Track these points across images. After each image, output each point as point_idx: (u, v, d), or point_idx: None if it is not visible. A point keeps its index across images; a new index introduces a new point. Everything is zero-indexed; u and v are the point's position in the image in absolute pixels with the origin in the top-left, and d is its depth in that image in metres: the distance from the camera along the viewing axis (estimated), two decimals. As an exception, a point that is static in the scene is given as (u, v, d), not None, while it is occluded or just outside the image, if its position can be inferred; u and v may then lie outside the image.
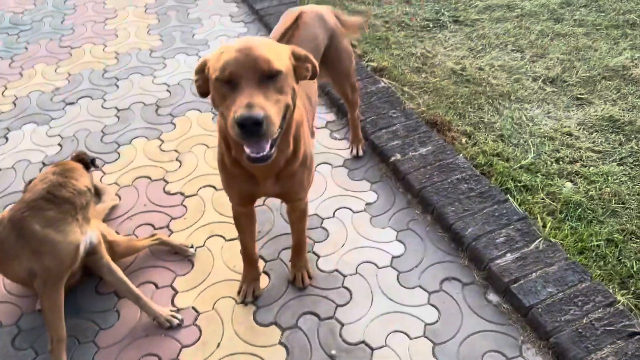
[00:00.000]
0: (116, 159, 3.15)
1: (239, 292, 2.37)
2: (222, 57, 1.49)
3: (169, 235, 2.66)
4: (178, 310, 2.33)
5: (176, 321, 2.25)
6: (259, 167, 1.74)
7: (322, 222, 2.71)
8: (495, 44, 4.03)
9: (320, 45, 2.31)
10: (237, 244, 2.59)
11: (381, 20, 4.42)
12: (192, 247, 2.57)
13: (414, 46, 4.06)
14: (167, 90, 3.67)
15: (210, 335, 2.24)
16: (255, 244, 2.31)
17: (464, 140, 3.14)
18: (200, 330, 2.26)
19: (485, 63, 3.82)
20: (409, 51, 4.00)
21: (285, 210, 2.52)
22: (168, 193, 2.90)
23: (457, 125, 3.24)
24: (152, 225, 2.72)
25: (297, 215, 2.22)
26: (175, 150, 3.17)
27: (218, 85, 1.50)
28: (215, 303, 2.36)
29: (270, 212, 2.78)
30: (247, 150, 1.52)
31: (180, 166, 3.06)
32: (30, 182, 2.20)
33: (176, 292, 2.42)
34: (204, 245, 2.62)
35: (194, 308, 2.35)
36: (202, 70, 1.62)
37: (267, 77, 1.48)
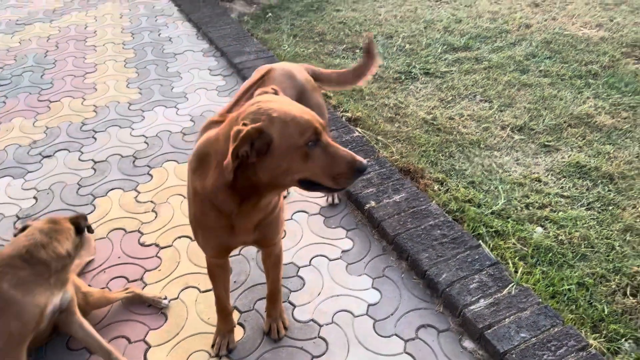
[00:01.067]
0: (92, 211, 3.14)
1: (212, 345, 2.34)
2: (299, 121, 1.54)
3: (143, 288, 2.64)
4: (150, 365, 2.28)
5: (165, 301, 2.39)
6: (244, 218, 1.80)
7: (298, 271, 2.71)
8: (464, 95, 4.19)
9: None
10: (211, 296, 2.57)
11: (355, 72, 4.56)
12: (165, 298, 2.55)
13: (387, 97, 4.19)
14: (145, 142, 3.71)
15: (183, 391, 2.19)
16: (229, 295, 2.30)
17: (436, 187, 3.21)
18: (173, 386, 2.21)
19: (456, 113, 3.96)
20: (383, 102, 4.13)
21: (261, 259, 2.52)
22: (143, 245, 2.89)
23: (429, 173, 3.32)
24: (126, 278, 2.69)
25: (273, 261, 2.24)
26: (152, 202, 3.18)
27: (305, 149, 1.55)
28: (188, 358, 2.32)
29: (246, 262, 2.78)
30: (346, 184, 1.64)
31: (155, 217, 3.07)
32: (23, 228, 2.19)
33: (149, 346, 2.37)
34: (178, 297, 2.60)
35: (166, 363, 2.30)
36: (252, 140, 1.51)
37: None
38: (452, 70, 4.53)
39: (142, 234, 2.96)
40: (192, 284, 2.66)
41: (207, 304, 2.55)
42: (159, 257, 2.81)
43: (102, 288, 2.64)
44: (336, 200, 3.13)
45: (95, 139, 3.79)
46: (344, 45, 5.03)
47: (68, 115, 4.08)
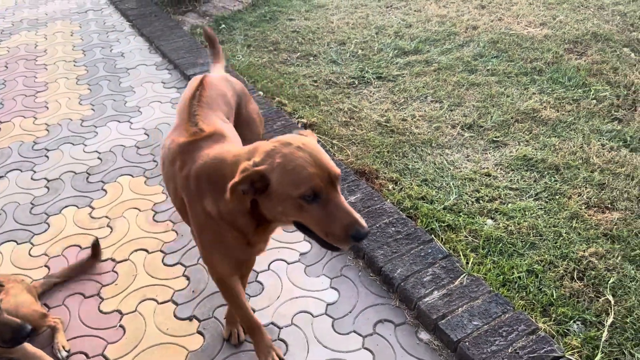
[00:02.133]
0: (45, 230, 3.09)
1: None
2: (298, 173, 1.52)
3: (100, 303, 2.61)
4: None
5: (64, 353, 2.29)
6: (259, 237, 1.85)
7: (257, 276, 2.73)
8: (416, 96, 4.29)
9: (231, 101, 2.39)
10: (169, 307, 2.58)
11: (310, 79, 4.63)
12: (69, 351, 2.38)
13: (342, 102, 4.26)
14: (98, 158, 3.67)
15: (143, 402, 2.18)
16: (247, 305, 2.22)
17: (390, 186, 3.28)
18: (132, 398, 2.20)
19: (408, 114, 4.05)
20: (337, 107, 4.20)
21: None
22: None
23: (384, 173, 3.39)
24: (83, 294, 2.66)
25: (249, 268, 2.33)
26: (106, 217, 3.15)
27: (300, 202, 1.53)
28: (148, 368, 2.31)
29: (203, 271, 2.78)
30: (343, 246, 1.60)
31: (111, 232, 3.04)
32: None
33: (107, 360, 2.35)
34: (135, 310, 2.58)
35: (125, 375, 2.28)
36: (253, 181, 1.58)
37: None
38: (403, 74, 4.63)
39: (97, 249, 2.93)
40: (149, 296, 2.65)
41: (165, 315, 2.54)
42: (115, 272, 2.79)
43: (59, 305, 2.60)
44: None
45: (48, 157, 3.74)
46: (298, 54, 5.09)
47: (19, 135, 4.01)
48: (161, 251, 2.91)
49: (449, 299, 2.45)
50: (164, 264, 2.83)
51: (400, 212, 3.00)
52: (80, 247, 2.95)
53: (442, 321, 2.35)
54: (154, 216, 3.15)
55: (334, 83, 4.56)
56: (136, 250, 2.91)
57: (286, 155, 1.55)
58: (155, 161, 3.62)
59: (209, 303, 2.60)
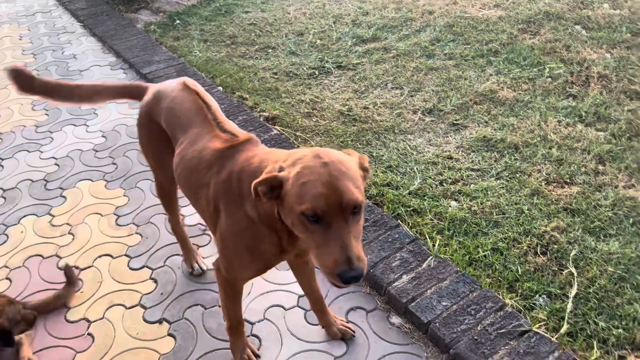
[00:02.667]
0: (4, 242, 2.99)
1: None
2: (307, 189, 1.44)
3: (66, 312, 2.55)
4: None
5: None
6: (296, 245, 1.75)
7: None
8: (376, 84, 4.30)
9: None
10: (137, 312, 2.54)
11: (270, 72, 4.59)
12: None
13: (303, 93, 4.24)
14: (56, 164, 3.57)
15: (116, 410, 2.14)
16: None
17: (355, 175, 3.28)
18: (104, 406, 2.16)
19: (369, 102, 4.06)
20: (299, 98, 4.18)
21: (294, 272, 2.31)
22: (61, 269, 2.78)
23: (347, 162, 3.39)
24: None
25: (311, 267, 2.24)
26: (67, 224, 3.07)
27: (302, 218, 1.45)
28: (119, 374, 2.27)
29: (171, 272, 2.74)
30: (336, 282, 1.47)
31: (73, 239, 2.96)
32: None
33: (76, 370, 2.30)
34: (103, 317, 2.53)
35: (96, 384, 2.24)
36: (273, 187, 1.53)
37: (353, 212, 1.45)
38: (363, 62, 4.64)
39: (60, 257, 2.85)
40: (117, 301, 2.60)
41: (134, 319, 2.50)
42: (80, 279, 2.72)
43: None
44: None
45: (3, 166, 3.61)
46: (256, 47, 5.04)
47: (-30, 145, 3.86)
48: (126, 255, 2.85)
49: (418, 282, 2.47)
50: (130, 268, 2.78)
51: (367, 200, 3.01)
52: (43, 257, 2.86)
53: (412, 304, 2.37)
54: (116, 220, 3.08)
55: (295, 74, 4.54)
56: (100, 256, 2.85)
57: (306, 167, 1.47)
58: (115, 164, 3.54)
59: (178, 304, 2.57)
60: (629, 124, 3.54)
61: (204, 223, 3.01)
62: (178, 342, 2.39)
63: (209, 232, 2.96)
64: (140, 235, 2.97)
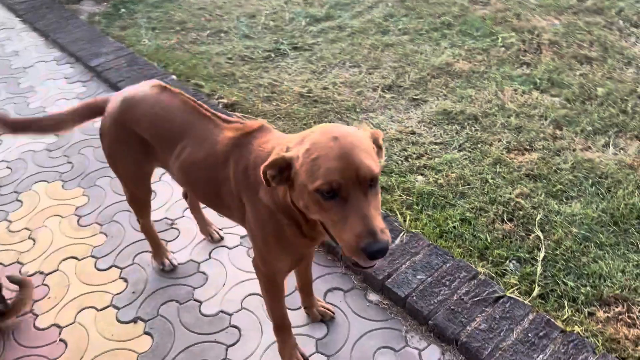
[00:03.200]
0: (-41, 253, 2.84)
1: None
2: (320, 164, 1.36)
3: (35, 320, 2.45)
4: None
5: None
6: (313, 231, 1.66)
7: (198, 267, 2.66)
8: (334, 64, 4.28)
9: None
10: (110, 313, 2.46)
11: (224, 57, 4.49)
12: None
13: (260, 77, 4.17)
14: (8, 167, 3.40)
15: (98, 414, 2.09)
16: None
17: (320, 156, 3.27)
18: (85, 412, 2.10)
19: (329, 82, 4.03)
20: (257, 82, 4.11)
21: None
22: (25, 275, 2.67)
23: (312, 144, 3.37)
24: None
25: (310, 260, 2.25)
26: (26, 228, 2.94)
27: (317, 196, 1.37)
28: (97, 379, 2.21)
29: (141, 270, 2.67)
30: (361, 262, 1.40)
31: (34, 244, 2.84)
32: None
33: (51, 378, 2.22)
34: (74, 321, 2.44)
35: (74, 390, 2.17)
36: (282, 168, 1.45)
37: (370, 185, 1.37)
38: (318, 42, 4.59)
39: (22, 264, 2.73)
40: (87, 304, 2.51)
41: (107, 321, 2.43)
42: (46, 285, 2.62)
43: (-13, 331, 2.42)
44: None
45: (-51, 174, 3.42)
46: (208, 32, 4.91)
47: None
48: (92, 256, 2.76)
49: (392, 258, 2.50)
50: (97, 269, 2.69)
51: (334, 181, 3.00)
52: (3, 265, 2.74)
53: (389, 280, 2.40)
54: (78, 221, 2.97)
55: (250, 58, 4.46)
56: (65, 259, 2.74)
57: (316, 143, 1.39)
58: (70, 162, 3.40)
59: (152, 302, 2.51)
60: (582, 88, 3.64)
61: (170, 217, 2.94)
62: (155, 340, 2.34)
63: (177, 227, 2.90)
64: (105, 234, 2.88)
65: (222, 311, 2.44)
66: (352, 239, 1.32)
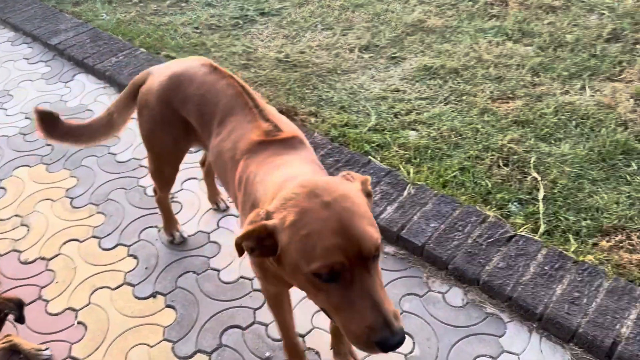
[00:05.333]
0: (-55, 247, 2.68)
1: None
2: (314, 242, 1.14)
3: (46, 305, 2.37)
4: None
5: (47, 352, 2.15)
6: None
7: (209, 237, 2.63)
8: (306, 27, 4.23)
9: None
10: (126, 290, 2.41)
11: (190, 27, 4.36)
12: (46, 349, 2.18)
13: (233, 45, 4.08)
14: (-19, 155, 3.21)
15: (134, 390, 2.06)
16: (294, 326, 1.97)
17: (312, 120, 3.27)
18: (122, 389, 2.07)
19: (304, 46, 4.00)
20: (230, 51, 4.02)
21: None
22: (25, 262, 2.57)
23: (301, 109, 3.36)
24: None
25: None
26: (17, 215, 2.81)
27: (314, 279, 1.17)
28: (127, 355, 2.17)
29: (150, 245, 2.61)
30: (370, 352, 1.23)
31: (29, 230, 2.72)
32: None
33: (78, 361, 2.17)
34: (89, 303, 2.38)
35: (105, 370, 2.13)
36: (261, 238, 1.22)
37: (373, 257, 1.19)
38: (285, 6, 4.52)
39: (19, 252, 2.62)
40: (100, 284, 2.45)
41: (124, 299, 2.38)
42: (50, 270, 2.52)
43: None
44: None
45: None
46: (168, 1, 4.74)
47: None
48: (94, 237, 2.67)
49: (403, 210, 2.55)
50: (103, 249, 2.62)
51: (332, 142, 3.02)
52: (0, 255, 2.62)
53: (403, 231, 2.46)
54: (71, 203, 2.86)
55: (218, 27, 4.34)
56: (66, 242, 2.65)
57: (304, 212, 1.17)
58: (49, 145, 3.24)
59: (168, 275, 2.47)
60: (551, 36, 3.78)
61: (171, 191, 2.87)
62: (179, 312, 2.32)
63: (178, 200, 2.84)
64: (103, 214, 2.79)
65: (242, 277, 2.44)
66: (362, 331, 1.14)
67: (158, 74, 1.99)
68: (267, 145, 1.60)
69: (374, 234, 1.18)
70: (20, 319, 1.97)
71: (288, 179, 1.35)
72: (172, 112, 1.95)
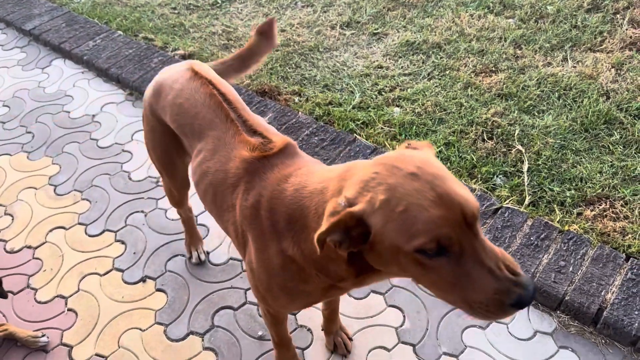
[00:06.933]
0: None
1: None
2: (414, 217, 1.03)
3: (35, 294, 2.35)
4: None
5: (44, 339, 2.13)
6: (357, 285, 1.39)
7: (196, 220, 2.61)
8: (286, 5, 4.17)
9: None
10: (115, 276, 2.40)
11: (167, 8, 4.27)
12: (42, 336, 2.17)
13: (212, 25, 4.02)
14: (-42, 145, 3.14)
15: (128, 374, 2.07)
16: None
17: (296, 99, 3.24)
18: (115, 374, 2.07)
19: (285, 24, 3.95)
20: (209, 31, 3.96)
21: None
22: (12, 252, 2.54)
23: (284, 88, 3.33)
24: (11, 292, 2.36)
25: (337, 301, 2.01)
26: (0, 205, 2.76)
27: (418, 257, 1.06)
28: (119, 340, 2.17)
29: (137, 230, 2.59)
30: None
31: (13, 220, 2.68)
32: None
33: (70, 347, 2.16)
34: (78, 290, 2.37)
35: (98, 355, 2.13)
36: (347, 228, 1.10)
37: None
38: (264, -16, 4.45)
39: (5, 241, 2.58)
40: (88, 271, 2.43)
41: (114, 285, 2.37)
42: (37, 258, 2.50)
43: (-16, 313, 2.30)
44: None
45: None
46: (146, -19, 4.63)
47: None
48: (80, 224, 2.65)
49: (390, 187, 2.56)
50: (89, 235, 2.59)
51: (317, 121, 3.00)
52: (-18, 246, 2.58)
53: (391, 208, 2.46)
54: (54, 190, 2.82)
55: (195, 6, 4.27)
56: (51, 230, 2.62)
57: (393, 188, 1.06)
58: (30, 132, 3.18)
59: (157, 259, 2.46)
60: (532, 7, 3.78)
61: (155, 175, 2.84)
62: (170, 295, 2.32)
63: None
64: (88, 200, 2.76)
65: (231, 258, 2.44)
66: (492, 299, 1.05)
67: (152, 81, 1.87)
68: (268, 160, 1.45)
69: (470, 194, 1.09)
70: (1, 294, 1.93)
71: (342, 172, 1.21)
72: (158, 122, 1.83)
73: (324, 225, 1.10)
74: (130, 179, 2.84)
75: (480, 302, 1.06)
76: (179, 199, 2.19)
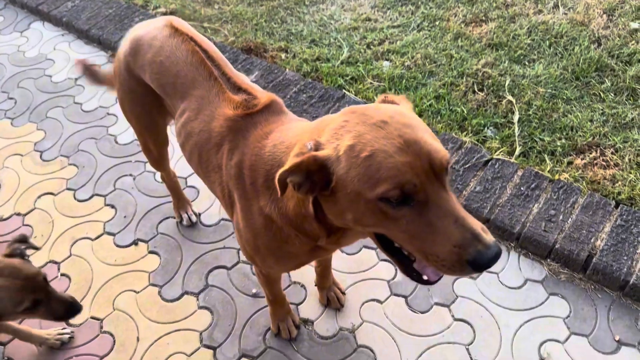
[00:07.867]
0: None
1: (277, 333, 2.04)
2: (379, 163, 1.00)
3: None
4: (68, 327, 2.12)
5: (67, 336, 2.06)
6: (333, 245, 1.40)
7: (186, 182, 2.60)
8: (270, -43, 4.03)
9: None
10: (106, 240, 2.40)
11: (148, -35, 4.12)
12: (64, 328, 2.10)
13: (194, -19, 3.89)
14: (-61, 113, 3.08)
15: (125, 335, 2.08)
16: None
17: (283, 56, 3.18)
18: (112, 335, 2.09)
19: (269, -23, 3.82)
20: (191, -13, 3.83)
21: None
22: (1, 219, 2.52)
23: (270, 45, 3.26)
24: (2, 259, 2.35)
25: (328, 260, 1.99)
26: (-14, 173, 2.73)
27: (381, 205, 1.03)
28: (114, 302, 2.18)
29: (126, 194, 2.57)
30: (428, 274, 1.15)
31: (0, 187, 2.65)
32: None
33: (65, 312, 2.17)
34: (70, 255, 2.36)
35: (93, 317, 2.14)
36: (310, 172, 1.08)
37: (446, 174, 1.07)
38: (247, -64, 4.28)
39: (-7, 209, 2.57)
40: (79, 236, 2.43)
41: (105, 248, 2.37)
42: (28, 225, 2.48)
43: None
44: None
45: None
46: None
47: None
48: (68, 189, 2.62)
49: (380, 142, 2.54)
50: (78, 200, 2.57)
51: (304, 77, 2.95)
52: (-29, 214, 2.56)
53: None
54: (40, 156, 2.78)
55: (176, -37, 4.11)
56: (40, 197, 2.59)
57: (360, 134, 1.04)
58: (12, 98, 3.12)
59: (148, 222, 2.45)
60: (523, -46, 3.67)
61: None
62: (163, 257, 2.32)
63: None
64: (75, 165, 2.72)
65: (223, 219, 2.43)
66: (450, 251, 1.02)
67: (127, 38, 1.78)
68: (252, 118, 1.42)
69: (440, 145, 1.06)
70: (34, 248, 1.91)
71: (317, 124, 1.19)
72: (136, 82, 1.76)
73: (287, 165, 1.08)
74: (116, 142, 2.80)
75: (440, 254, 1.03)
76: (157, 157, 2.14)
